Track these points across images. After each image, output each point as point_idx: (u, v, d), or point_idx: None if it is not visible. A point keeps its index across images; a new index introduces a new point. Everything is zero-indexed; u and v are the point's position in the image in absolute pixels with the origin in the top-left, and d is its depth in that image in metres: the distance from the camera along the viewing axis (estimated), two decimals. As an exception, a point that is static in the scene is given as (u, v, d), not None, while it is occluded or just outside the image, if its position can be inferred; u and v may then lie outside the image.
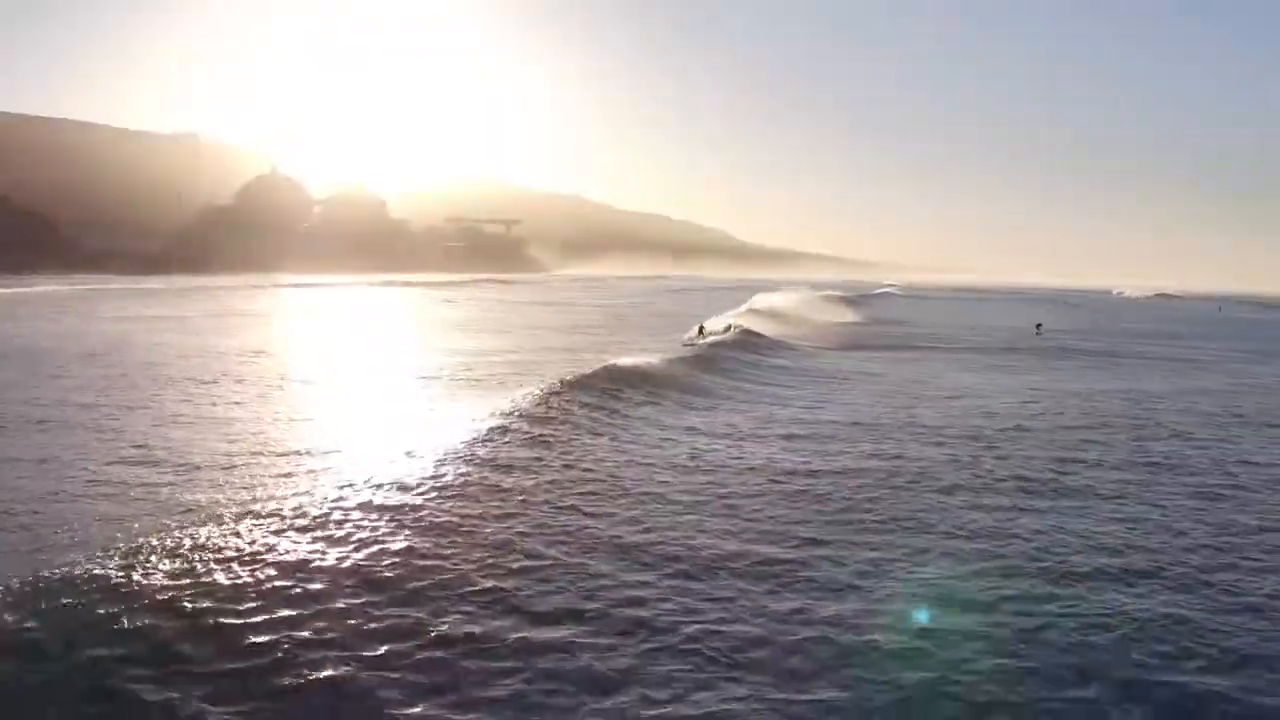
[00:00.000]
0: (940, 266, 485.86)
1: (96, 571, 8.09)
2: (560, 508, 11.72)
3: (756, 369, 28.69)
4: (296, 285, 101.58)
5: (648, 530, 11.06)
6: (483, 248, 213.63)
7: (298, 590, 8.24)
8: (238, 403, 20.36)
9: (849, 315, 68.08)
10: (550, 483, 12.85)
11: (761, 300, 61.22)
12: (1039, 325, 56.93)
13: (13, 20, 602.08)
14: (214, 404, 20.19)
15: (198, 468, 14.03)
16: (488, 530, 10.53)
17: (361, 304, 72.61)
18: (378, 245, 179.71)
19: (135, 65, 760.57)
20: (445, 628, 7.89)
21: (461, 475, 12.60)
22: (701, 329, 39.40)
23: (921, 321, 66.18)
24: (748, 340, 35.88)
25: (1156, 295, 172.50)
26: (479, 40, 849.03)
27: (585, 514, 11.55)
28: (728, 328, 39.84)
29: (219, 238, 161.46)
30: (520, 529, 10.68)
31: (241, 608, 7.79)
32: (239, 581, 8.26)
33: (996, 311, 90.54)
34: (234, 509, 10.94)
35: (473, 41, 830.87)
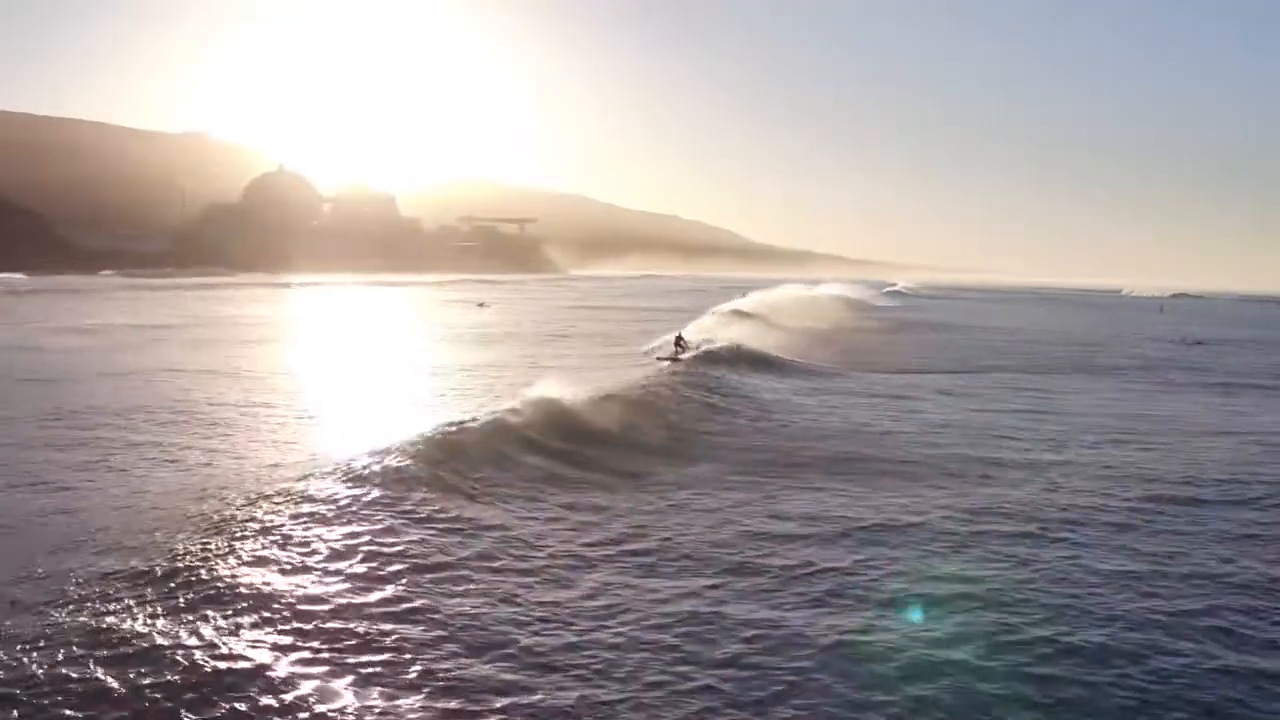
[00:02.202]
0: (947, 266, 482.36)
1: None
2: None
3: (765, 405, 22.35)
4: (302, 285, 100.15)
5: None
6: (498, 248, 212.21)
7: None
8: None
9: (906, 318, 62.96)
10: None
11: (765, 299, 55.84)
12: (1197, 341, 50.48)
13: (24, 21, 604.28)
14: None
15: None
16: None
17: (396, 308, 69.57)
18: (389, 243, 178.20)
19: (142, 65, 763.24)
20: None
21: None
22: (679, 340, 30.02)
23: (1000, 328, 59.26)
24: (751, 359, 29.09)
25: (1174, 295, 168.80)
26: (479, 40, 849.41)
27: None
28: (704, 342, 31.31)
29: (224, 235, 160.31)
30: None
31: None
32: None
33: (1078, 317, 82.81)
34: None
35: (473, 41, 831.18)
